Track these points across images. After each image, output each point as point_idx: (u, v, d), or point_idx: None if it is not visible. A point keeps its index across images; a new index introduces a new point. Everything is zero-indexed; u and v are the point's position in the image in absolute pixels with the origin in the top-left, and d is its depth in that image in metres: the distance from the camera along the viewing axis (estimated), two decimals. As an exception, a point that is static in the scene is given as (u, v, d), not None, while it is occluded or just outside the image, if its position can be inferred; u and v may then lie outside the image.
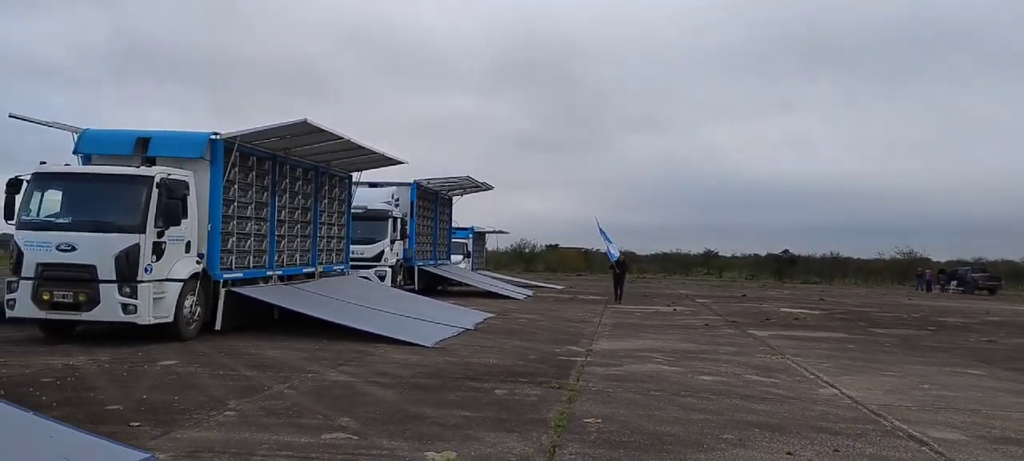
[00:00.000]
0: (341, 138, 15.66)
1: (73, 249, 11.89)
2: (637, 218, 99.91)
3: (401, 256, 26.20)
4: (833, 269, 68.22)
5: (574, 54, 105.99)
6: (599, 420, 7.68)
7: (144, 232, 12.08)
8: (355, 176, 20.79)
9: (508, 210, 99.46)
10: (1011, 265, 63.50)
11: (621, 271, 28.62)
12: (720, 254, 75.22)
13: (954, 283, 50.95)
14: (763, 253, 74.00)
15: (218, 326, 13.60)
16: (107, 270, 11.84)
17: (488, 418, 7.65)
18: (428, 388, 9.22)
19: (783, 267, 68.66)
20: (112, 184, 12.47)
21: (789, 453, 6.59)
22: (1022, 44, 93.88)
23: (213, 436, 6.64)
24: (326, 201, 18.79)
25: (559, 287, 37.59)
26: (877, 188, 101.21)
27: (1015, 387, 10.78)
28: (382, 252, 24.79)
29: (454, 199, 33.32)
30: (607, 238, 30.35)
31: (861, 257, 70.61)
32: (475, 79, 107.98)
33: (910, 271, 59.29)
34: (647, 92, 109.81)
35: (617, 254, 29.55)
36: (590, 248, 67.95)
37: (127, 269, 11.88)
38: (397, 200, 26.47)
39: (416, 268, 27.13)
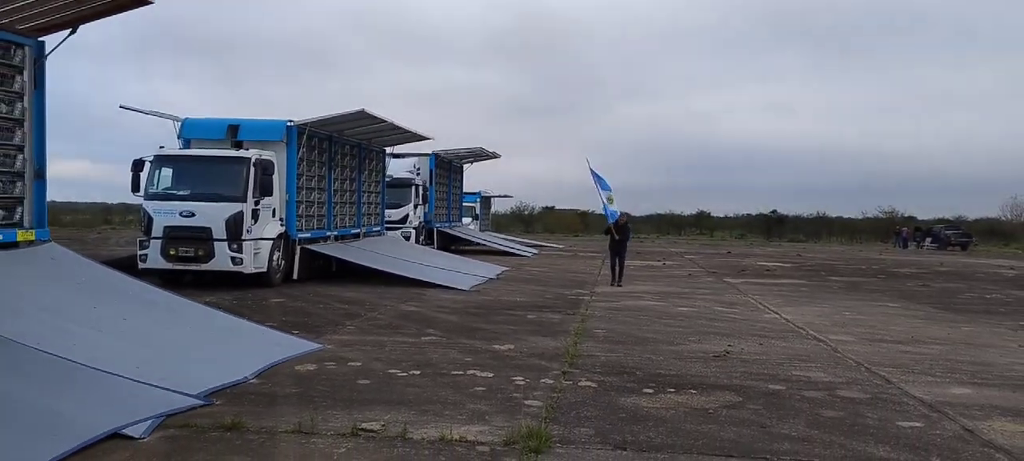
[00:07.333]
0: (387, 122, 18.98)
1: (193, 215, 15.27)
2: (628, 178, 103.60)
3: (422, 219, 29.58)
4: (819, 228, 71.78)
5: (563, 28, 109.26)
6: (604, 331, 11.15)
7: (246, 201, 15.45)
8: (387, 150, 24.11)
9: (505, 174, 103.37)
10: (991, 222, 67.13)
11: (622, 237, 19.36)
12: (712, 215, 78.92)
13: (929, 240, 54.37)
14: (754, 213, 77.77)
15: (295, 276, 17.05)
16: (219, 231, 15.24)
17: (528, 330, 11.11)
18: (479, 314, 12.68)
19: (771, 226, 72.27)
20: (220, 164, 15.80)
21: (730, 345, 10.05)
22: (975, 22, 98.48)
23: (350, 338, 10.07)
24: (367, 173, 22.12)
25: (560, 246, 41.10)
26: (862, 151, 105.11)
27: (914, 314, 14.29)
28: (407, 215, 28.18)
29: (465, 167, 36.63)
30: (603, 185, 20.37)
31: (847, 216, 74.45)
32: (469, 52, 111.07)
33: (891, 229, 62.83)
34: (633, 64, 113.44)
35: (617, 213, 19.95)
36: (586, 209, 71.48)
37: (235, 230, 15.28)
38: (418, 169, 29.83)
39: (434, 229, 30.54)
